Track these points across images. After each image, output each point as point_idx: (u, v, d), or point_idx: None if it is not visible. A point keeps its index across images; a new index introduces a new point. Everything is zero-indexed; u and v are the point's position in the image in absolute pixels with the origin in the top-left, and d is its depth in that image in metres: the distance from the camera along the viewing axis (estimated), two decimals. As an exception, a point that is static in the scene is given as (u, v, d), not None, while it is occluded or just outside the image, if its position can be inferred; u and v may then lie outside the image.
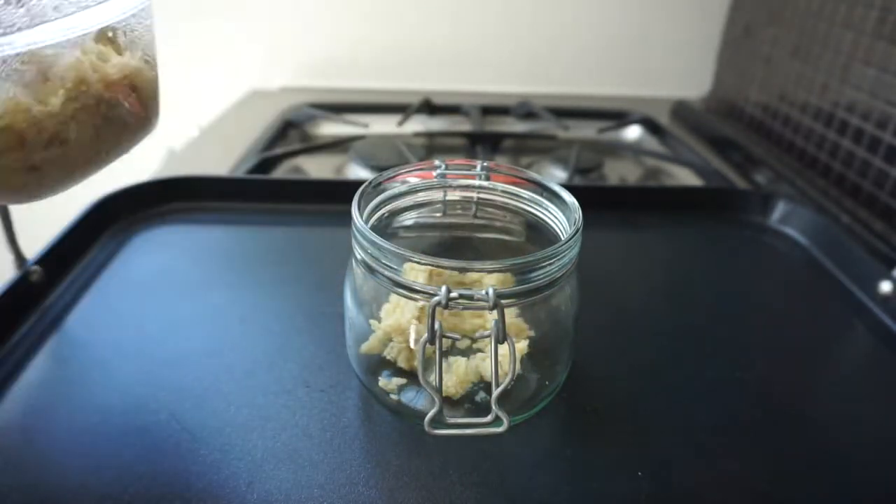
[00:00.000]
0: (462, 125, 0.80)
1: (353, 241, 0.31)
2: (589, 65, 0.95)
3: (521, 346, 0.31)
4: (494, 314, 0.27)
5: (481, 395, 0.32)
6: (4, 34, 0.22)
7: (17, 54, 0.23)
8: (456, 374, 0.32)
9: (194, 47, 0.88)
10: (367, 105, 0.81)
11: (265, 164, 0.62)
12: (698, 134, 0.80)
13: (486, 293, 0.26)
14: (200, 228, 0.51)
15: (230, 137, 0.72)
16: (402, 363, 0.33)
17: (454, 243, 0.39)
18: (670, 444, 0.32)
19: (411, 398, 0.32)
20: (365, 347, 0.33)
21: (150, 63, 0.30)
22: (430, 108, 0.81)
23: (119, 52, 0.29)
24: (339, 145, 0.70)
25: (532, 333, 0.32)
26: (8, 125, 0.25)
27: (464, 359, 0.32)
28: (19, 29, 0.23)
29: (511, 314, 0.31)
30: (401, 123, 0.77)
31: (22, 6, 0.23)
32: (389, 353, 0.33)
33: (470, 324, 0.31)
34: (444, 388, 0.30)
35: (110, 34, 0.29)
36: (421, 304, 0.30)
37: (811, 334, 0.43)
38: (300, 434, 0.32)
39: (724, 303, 0.45)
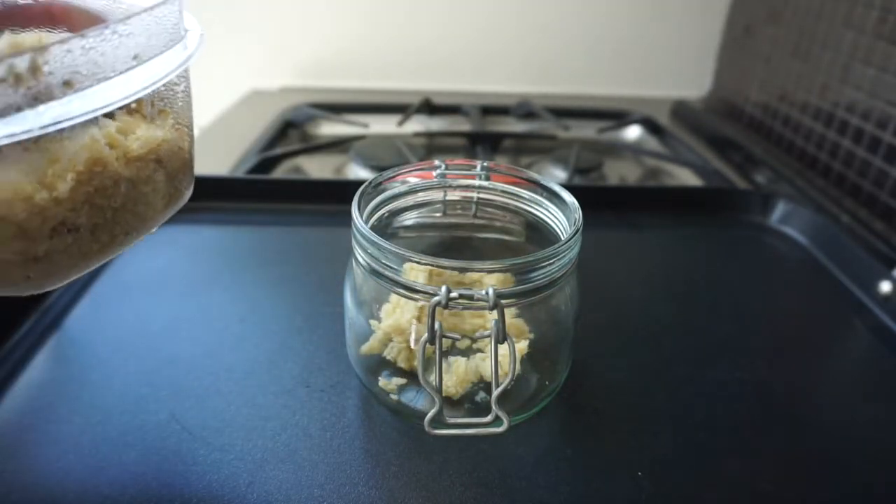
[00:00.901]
0: (462, 125, 0.80)
1: (353, 241, 0.31)
2: (589, 65, 0.95)
3: (522, 346, 0.31)
4: (494, 314, 0.27)
5: (481, 395, 0.32)
6: (1, 118, 0.18)
7: (17, 142, 0.19)
8: (456, 374, 0.32)
9: (194, 47, 0.87)
10: (367, 105, 0.81)
11: (265, 164, 0.62)
12: (698, 134, 0.80)
13: (486, 293, 0.26)
14: (200, 228, 0.51)
15: (230, 137, 0.72)
16: (402, 363, 0.33)
17: (454, 243, 0.39)
18: (670, 444, 0.32)
19: (411, 398, 0.32)
20: (365, 348, 0.33)
21: (183, 130, 0.26)
22: (430, 108, 0.81)
23: (145, 120, 0.25)
24: (339, 145, 0.70)
25: (532, 335, 0.32)
26: (3, 216, 0.21)
27: (464, 359, 0.32)
28: (19, 110, 0.19)
29: (510, 314, 0.31)
30: (401, 123, 0.77)
31: (23, 85, 0.18)
32: (389, 354, 0.33)
33: (470, 324, 0.31)
34: (444, 388, 0.30)
35: (133, 105, 0.25)
36: (421, 304, 0.30)
37: (811, 334, 0.43)
38: (300, 434, 0.32)
39: (724, 303, 0.45)
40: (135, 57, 0.22)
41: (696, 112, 0.86)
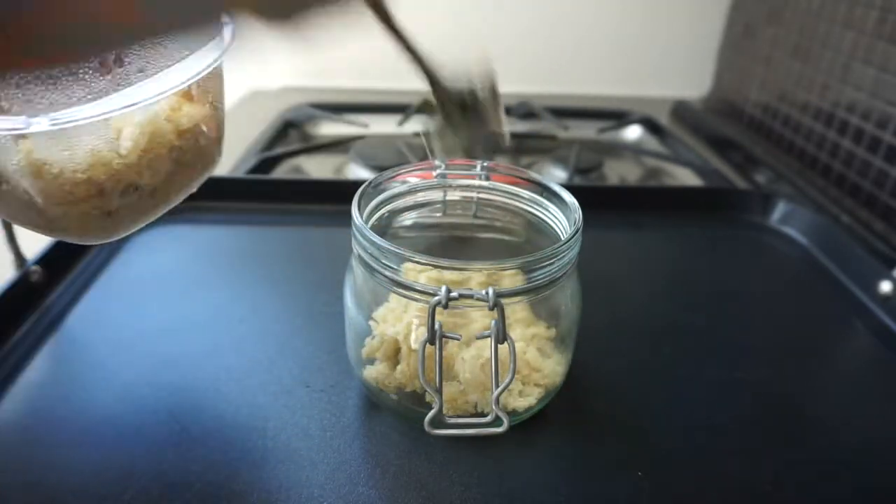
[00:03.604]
0: (462, 125, 0.80)
1: (353, 240, 0.31)
2: (589, 65, 0.95)
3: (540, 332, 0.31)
4: (494, 314, 0.27)
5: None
6: (95, 99, 0.23)
7: (103, 119, 0.24)
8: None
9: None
10: (367, 105, 0.81)
11: (265, 164, 0.62)
12: (698, 134, 0.80)
13: (486, 293, 0.26)
14: (200, 228, 0.51)
15: (230, 137, 0.71)
16: (402, 363, 0.33)
17: (454, 243, 0.39)
18: (670, 444, 0.32)
19: (411, 398, 0.32)
20: (366, 350, 0.33)
21: (217, 108, 0.31)
22: (430, 108, 0.81)
23: (190, 100, 0.30)
24: (339, 145, 0.70)
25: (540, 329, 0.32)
26: (90, 177, 0.26)
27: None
28: (107, 93, 0.24)
29: (519, 311, 0.31)
30: (401, 123, 0.77)
31: (108, 73, 0.24)
32: (389, 353, 0.33)
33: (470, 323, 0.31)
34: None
35: (185, 88, 0.30)
36: (421, 304, 0.30)
37: (811, 334, 0.43)
38: (300, 434, 0.32)
39: (725, 303, 0.45)
40: (186, 48, 0.27)
41: (696, 112, 0.86)
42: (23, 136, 0.24)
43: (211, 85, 0.31)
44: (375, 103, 0.81)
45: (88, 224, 0.28)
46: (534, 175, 0.35)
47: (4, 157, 0.25)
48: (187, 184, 0.31)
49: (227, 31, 0.29)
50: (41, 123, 0.22)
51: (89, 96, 0.23)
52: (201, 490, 0.29)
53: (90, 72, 0.23)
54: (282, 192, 0.55)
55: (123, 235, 0.30)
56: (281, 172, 0.64)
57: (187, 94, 0.29)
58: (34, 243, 0.42)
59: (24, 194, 0.26)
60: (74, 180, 0.26)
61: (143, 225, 0.30)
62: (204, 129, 0.30)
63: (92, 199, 0.27)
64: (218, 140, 0.32)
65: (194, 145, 0.30)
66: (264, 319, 0.40)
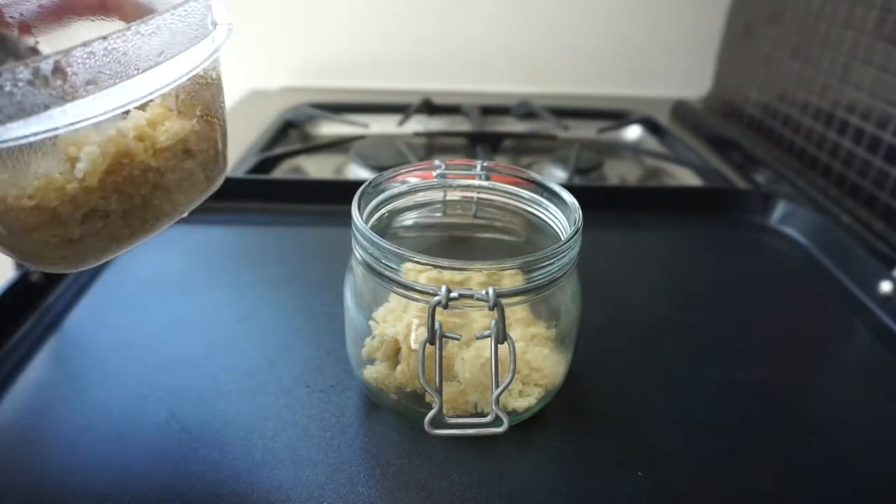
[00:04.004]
0: (462, 125, 0.80)
1: (353, 240, 0.31)
2: (589, 65, 0.95)
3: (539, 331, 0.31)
4: (494, 314, 0.27)
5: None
6: (29, 116, 0.20)
7: (46, 139, 0.21)
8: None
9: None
10: (367, 105, 0.81)
11: (265, 164, 0.62)
12: (698, 134, 0.80)
13: (486, 293, 0.26)
14: (200, 228, 0.51)
15: (230, 137, 0.72)
16: (402, 363, 0.33)
17: (454, 243, 0.39)
18: (670, 444, 0.32)
19: (411, 398, 0.32)
20: (366, 350, 0.33)
21: (213, 121, 0.27)
22: (430, 108, 0.81)
23: (174, 114, 0.26)
24: (339, 145, 0.70)
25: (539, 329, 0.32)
26: (38, 204, 0.23)
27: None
28: (46, 109, 0.20)
29: (519, 311, 0.31)
30: (401, 123, 0.77)
31: (47, 85, 0.20)
32: (389, 353, 0.33)
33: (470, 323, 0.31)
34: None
35: (158, 100, 0.26)
36: (421, 304, 0.30)
37: (811, 334, 0.43)
38: (300, 434, 0.32)
39: (724, 303, 0.45)
40: (160, 54, 0.23)
41: (696, 112, 0.86)
42: None
43: (200, 94, 0.27)
44: (375, 103, 0.81)
45: (47, 252, 0.25)
46: (534, 175, 0.35)
47: None
48: (174, 208, 0.28)
49: (219, 31, 0.26)
50: None
51: (20, 112, 0.19)
52: (201, 490, 0.29)
53: (20, 84, 0.19)
54: (282, 192, 0.55)
55: (98, 264, 0.27)
56: (281, 172, 0.64)
57: (166, 107, 0.26)
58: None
59: None
60: (20, 206, 0.23)
61: (122, 252, 0.27)
62: (192, 146, 0.27)
63: (46, 226, 0.24)
64: (215, 157, 0.29)
65: (177, 165, 0.26)
66: (264, 319, 0.40)
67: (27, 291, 0.40)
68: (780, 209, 0.56)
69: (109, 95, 0.21)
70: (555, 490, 0.29)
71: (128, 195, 0.25)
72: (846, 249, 0.49)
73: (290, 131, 0.76)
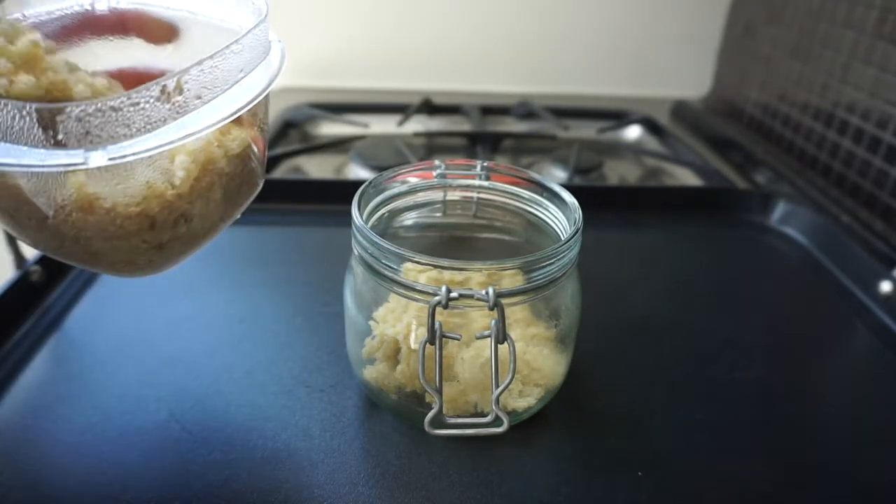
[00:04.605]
0: (462, 125, 0.80)
1: (353, 240, 0.31)
2: (589, 65, 0.95)
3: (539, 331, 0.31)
4: (494, 314, 0.27)
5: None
6: (155, 130, 0.22)
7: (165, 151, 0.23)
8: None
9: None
10: (367, 105, 0.81)
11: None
12: (698, 134, 0.80)
13: (486, 293, 0.26)
14: (200, 228, 0.51)
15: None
16: (402, 363, 0.33)
17: (454, 243, 0.39)
18: (670, 444, 0.32)
19: (411, 398, 0.32)
20: (366, 350, 0.33)
21: (264, 128, 0.30)
22: (430, 108, 0.81)
23: (239, 124, 0.28)
24: (339, 145, 0.70)
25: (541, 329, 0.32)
26: (143, 210, 0.24)
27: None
28: (164, 123, 0.22)
29: (519, 311, 0.31)
30: (401, 123, 0.77)
31: (168, 101, 0.22)
32: (389, 353, 0.33)
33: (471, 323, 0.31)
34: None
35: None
36: (421, 304, 0.30)
37: (811, 334, 0.43)
38: (300, 434, 0.32)
39: (724, 303, 0.45)
40: (241, 70, 0.25)
41: (696, 112, 0.86)
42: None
43: (261, 105, 0.29)
44: (375, 103, 0.81)
45: (136, 258, 0.26)
46: (534, 175, 0.35)
47: (54, 191, 0.23)
48: (235, 209, 0.30)
49: (274, 48, 0.28)
50: (100, 158, 0.21)
51: (147, 126, 0.21)
52: (201, 490, 0.29)
53: (151, 100, 0.21)
54: (282, 192, 0.55)
55: (169, 269, 0.29)
56: (281, 172, 0.64)
57: (238, 118, 0.27)
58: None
59: (71, 229, 0.24)
60: (127, 214, 0.24)
61: (189, 256, 0.29)
62: (254, 152, 0.29)
63: (143, 232, 0.25)
64: (263, 161, 0.31)
65: (242, 170, 0.28)
66: (264, 319, 0.40)
67: (27, 291, 0.40)
68: (780, 209, 0.56)
69: (211, 109, 0.23)
70: (555, 490, 0.29)
71: (208, 199, 0.27)
72: (846, 249, 0.49)
73: (290, 131, 0.76)
